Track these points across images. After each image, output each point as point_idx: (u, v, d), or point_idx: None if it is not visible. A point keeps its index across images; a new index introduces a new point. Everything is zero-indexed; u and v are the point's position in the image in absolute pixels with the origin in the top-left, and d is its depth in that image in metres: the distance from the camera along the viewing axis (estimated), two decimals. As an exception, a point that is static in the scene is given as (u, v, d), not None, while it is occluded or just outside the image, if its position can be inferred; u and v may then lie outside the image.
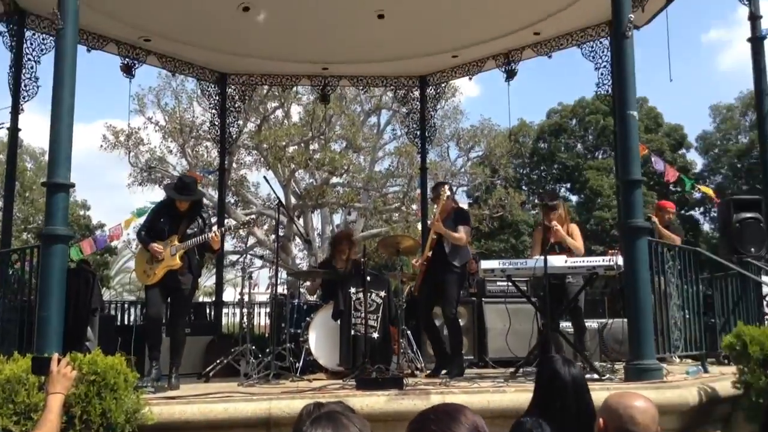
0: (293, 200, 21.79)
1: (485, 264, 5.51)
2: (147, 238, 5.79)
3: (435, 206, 6.31)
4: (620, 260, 4.97)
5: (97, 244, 10.43)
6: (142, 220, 12.19)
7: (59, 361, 2.89)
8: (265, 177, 7.62)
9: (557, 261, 5.31)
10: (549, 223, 5.83)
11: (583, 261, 5.34)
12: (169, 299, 5.89)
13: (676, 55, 7.86)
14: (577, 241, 5.89)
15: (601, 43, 8.79)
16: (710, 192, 12.42)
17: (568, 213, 6.30)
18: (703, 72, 51.88)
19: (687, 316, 5.37)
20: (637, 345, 4.31)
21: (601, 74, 8.81)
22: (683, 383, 4.38)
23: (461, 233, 6.03)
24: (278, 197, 7.25)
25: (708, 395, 4.34)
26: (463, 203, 26.28)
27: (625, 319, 7.01)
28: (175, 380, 5.56)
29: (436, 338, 6.33)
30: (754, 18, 6.88)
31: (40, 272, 4.49)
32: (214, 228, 6.17)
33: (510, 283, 5.91)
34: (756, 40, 6.86)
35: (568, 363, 2.86)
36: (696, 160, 32.62)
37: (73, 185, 4.70)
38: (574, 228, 6.06)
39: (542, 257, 5.29)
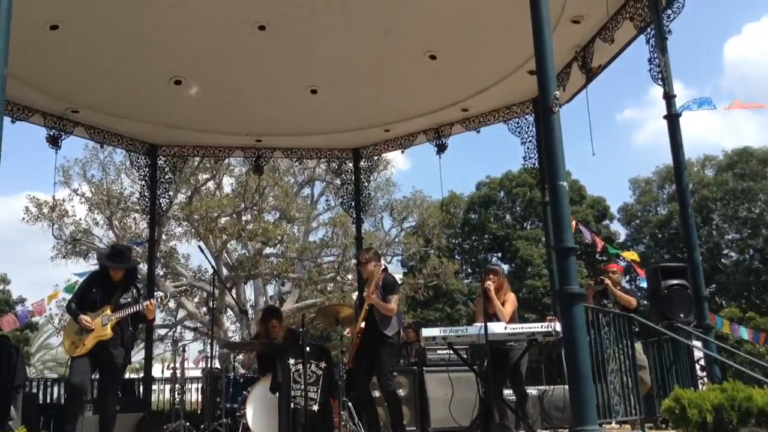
0: (225, 271, 21.38)
1: (426, 332, 5.49)
2: (77, 309, 5.56)
3: (363, 271, 6.36)
4: (558, 326, 5.05)
5: (19, 320, 9.88)
6: (68, 294, 11.75)
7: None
8: (200, 246, 7.51)
9: (497, 328, 5.36)
10: (484, 286, 5.95)
11: (522, 327, 5.40)
12: (97, 374, 5.60)
13: (594, 132, 8.34)
14: (505, 309, 6.02)
15: (526, 119, 9.23)
16: (635, 256, 12.77)
17: (505, 282, 6.40)
18: (620, 148, 54.74)
19: (624, 381, 5.45)
20: (580, 411, 4.31)
21: (527, 148, 9.22)
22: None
23: (392, 303, 6.13)
24: (213, 267, 7.11)
25: (649, 460, 4.37)
26: (398, 273, 26.39)
27: (565, 386, 7.11)
28: None
29: (373, 411, 6.25)
30: (669, 97, 7.29)
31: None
32: (150, 300, 5.98)
33: (451, 351, 5.91)
34: (672, 117, 7.24)
35: (502, 429, 2.85)
36: (619, 230, 34.06)
37: (-6, 257, 4.50)
38: (510, 297, 6.20)
39: (482, 324, 5.33)
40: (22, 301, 25.98)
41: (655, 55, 7.08)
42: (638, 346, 6.48)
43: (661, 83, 7.42)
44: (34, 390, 9.12)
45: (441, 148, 9.85)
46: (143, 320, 5.88)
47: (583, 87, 8.37)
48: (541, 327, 5.30)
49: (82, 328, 5.49)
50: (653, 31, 6.96)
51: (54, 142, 8.77)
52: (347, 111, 9.32)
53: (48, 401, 8.89)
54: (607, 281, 7.39)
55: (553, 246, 4.83)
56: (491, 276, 6.16)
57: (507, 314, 6.02)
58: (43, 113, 8.58)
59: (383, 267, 6.33)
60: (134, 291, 5.83)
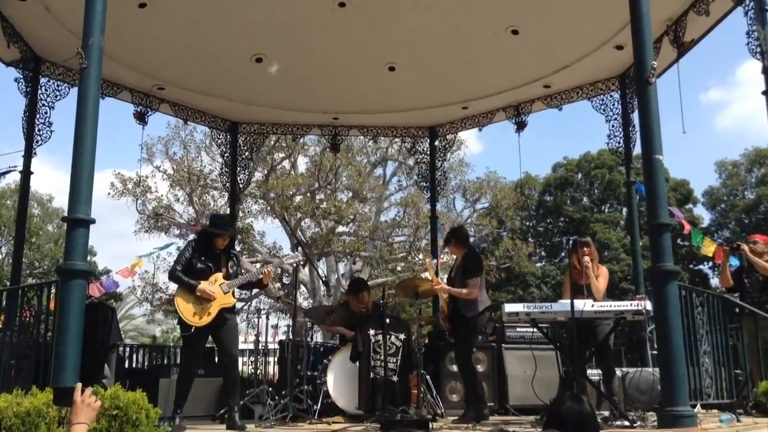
0: (300, 249, 21.70)
1: (509, 307, 5.39)
2: (191, 280, 5.52)
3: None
4: (649, 305, 4.89)
5: (105, 287, 10.35)
6: (147, 265, 12.19)
7: (82, 390, 2.77)
8: (297, 238, 7.55)
9: (585, 305, 5.20)
10: (581, 258, 5.77)
11: (611, 305, 5.24)
12: (212, 338, 5.68)
13: (676, 114, 7.93)
14: (599, 284, 5.81)
15: (611, 96, 8.94)
16: (710, 253, 11.90)
17: (596, 255, 6.18)
18: (703, 130, 52.55)
19: (716, 364, 5.26)
20: (671, 391, 4.19)
21: (612, 126, 8.93)
22: (719, 431, 4.25)
23: (469, 287, 6.12)
24: (298, 239, 7.25)
25: (744, 444, 4.21)
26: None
27: (649, 369, 6.92)
28: (239, 420, 5.37)
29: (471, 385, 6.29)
30: (768, 72, 6.91)
31: (57, 307, 4.40)
32: (269, 265, 6.07)
33: (533, 329, 5.81)
34: (772, 93, 6.86)
35: (573, 399, 2.79)
36: (703, 215, 32.68)
37: (93, 221, 4.63)
38: (603, 271, 6.00)
39: (568, 301, 5.20)
40: (107, 272, 27.20)
41: (754, 28, 6.74)
42: None
43: (759, 57, 7.05)
44: (121, 354, 9.56)
45: (520, 126, 9.64)
46: (257, 285, 5.94)
47: (673, 62, 8.00)
48: (631, 305, 5.12)
49: (200, 297, 5.47)
50: (752, 3, 6.62)
51: (141, 118, 9.05)
52: (425, 88, 9.23)
53: (134, 366, 9.27)
54: (744, 248, 6.92)
55: (648, 221, 4.63)
56: (586, 249, 5.89)
57: (602, 290, 5.83)
58: (130, 90, 8.84)
59: (466, 250, 6.38)
60: (235, 259, 5.90)
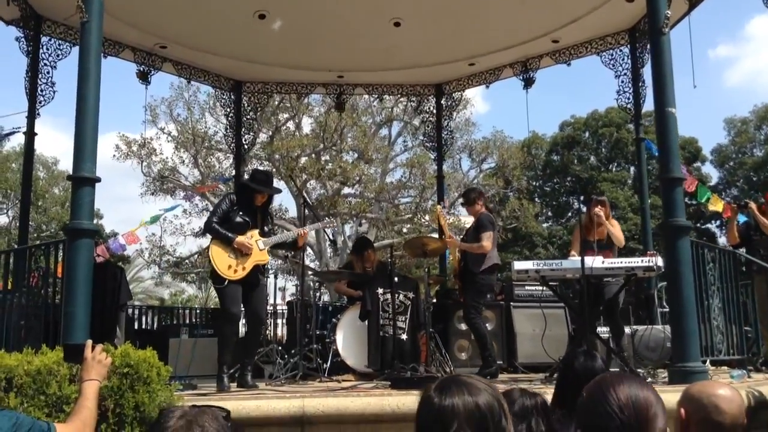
0: (306, 211, 21.71)
1: (519, 265, 5.36)
2: (228, 233, 5.39)
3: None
4: (660, 261, 4.84)
5: (111, 251, 10.36)
6: (153, 227, 12.11)
7: (93, 347, 2.76)
8: (304, 197, 7.53)
9: (595, 262, 5.15)
10: (593, 214, 5.72)
11: (621, 262, 5.19)
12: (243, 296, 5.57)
13: (685, 69, 7.75)
14: (619, 235, 5.77)
15: (621, 50, 8.76)
16: (719, 208, 11.82)
17: (610, 212, 6.12)
18: (711, 87, 51.91)
19: (727, 321, 5.23)
20: (682, 347, 4.17)
21: (622, 82, 8.77)
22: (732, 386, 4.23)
23: (483, 241, 6.10)
24: (304, 197, 7.18)
25: (756, 399, 4.21)
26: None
27: (658, 326, 6.91)
28: (251, 379, 5.37)
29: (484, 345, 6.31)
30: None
31: (65, 267, 4.38)
32: (305, 227, 5.99)
33: (541, 287, 5.78)
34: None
35: (586, 356, 2.76)
36: (711, 173, 32.46)
37: (98, 179, 4.59)
38: (616, 223, 5.96)
39: (578, 258, 5.15)
40: (114, 234, 27.27)
41: (769, -22, 6.55)
42: None
43: (772, 9, 6.86)
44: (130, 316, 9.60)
45: (528, 83, 9.47)
46: (291, 246, 5.89)
47: (684, 15, 7.82)
48: (642, 262, 5.07)
49: (236, 251, 5.37)
50: (768, -48, 6.42)
51: (144, 77, 8.94)
52: (431, 44, 9.05)
53: (144, 327, 9.33)
54: (752, 205, 6.82)
55: (660, 175, 4.56)
56: (599, 206, 5.85)
57: (621, 238, 5.79)
58: (132, 48, 8.71)
59: (483, 210, 6.43)
60: (270, 218, 5.80)
